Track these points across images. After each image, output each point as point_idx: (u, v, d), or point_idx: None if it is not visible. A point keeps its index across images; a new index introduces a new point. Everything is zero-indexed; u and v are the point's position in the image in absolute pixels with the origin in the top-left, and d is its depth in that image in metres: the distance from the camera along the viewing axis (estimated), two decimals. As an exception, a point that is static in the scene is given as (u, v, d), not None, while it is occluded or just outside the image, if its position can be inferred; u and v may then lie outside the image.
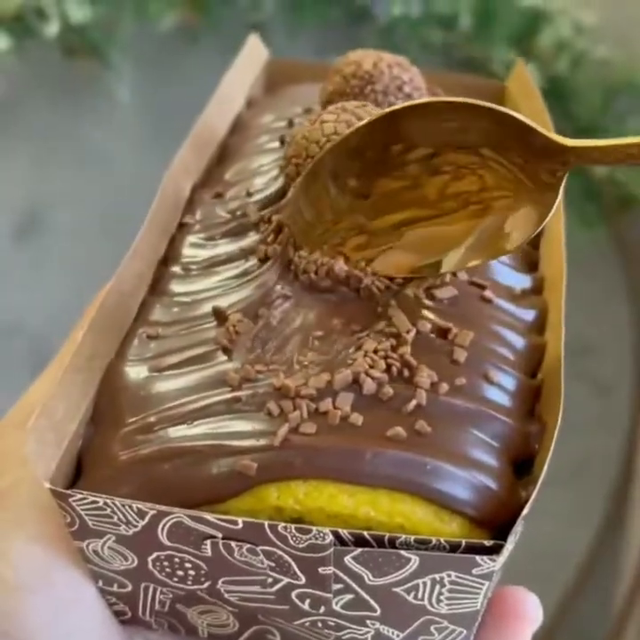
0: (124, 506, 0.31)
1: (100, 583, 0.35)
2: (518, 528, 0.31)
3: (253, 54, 0.55)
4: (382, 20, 0.96)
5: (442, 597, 0.32)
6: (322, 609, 0.33)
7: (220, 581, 0.33)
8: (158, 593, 0.35)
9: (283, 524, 0.30)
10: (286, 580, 0.32)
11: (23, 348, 1.07)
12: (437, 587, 0.31)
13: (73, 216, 1.06)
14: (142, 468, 0.33)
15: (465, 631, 0.33)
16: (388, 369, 0.34)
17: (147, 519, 0.31)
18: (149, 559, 0.33)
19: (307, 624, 0.34)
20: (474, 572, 0.31)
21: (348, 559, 0.31)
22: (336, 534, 0.30)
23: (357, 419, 0.32)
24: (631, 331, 1.04)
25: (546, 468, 0.31)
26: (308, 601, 0.33)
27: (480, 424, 0.33)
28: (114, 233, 1.08)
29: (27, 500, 0.34)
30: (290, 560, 0.31)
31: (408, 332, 0.35)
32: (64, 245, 1.06)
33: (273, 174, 0.43)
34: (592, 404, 1.03)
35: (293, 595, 0.33)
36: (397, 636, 0.34)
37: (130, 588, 0.35)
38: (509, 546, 0.31)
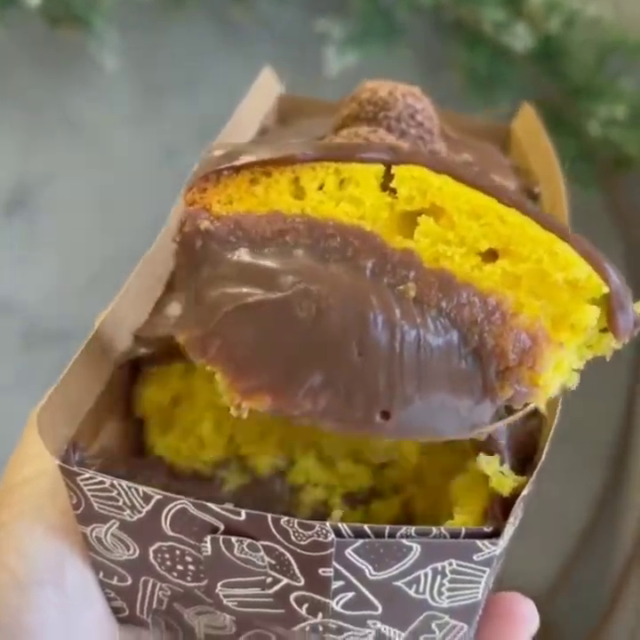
0: (130, 488, 0.31)
1: (101, 575, 0.34)
2: (518, 510, 0.31)
3: (266, 87, 0.56)
4: (371, -18, 0.95)
5: (443, 589, 0.31)
6: (319, 615, 0.32)
7: (218, 585, 0.33)
8: (157, 589, 0.34)
9: (286, 518, 0.30)
10: (285, 580, 0.32)
11: (16, 325, 1.07)
12: (439, 578, 0.31)
13: (63, 190, 1.05)
14: None
15: (466, 626, 0.33)
16: None
17: (151, 504, 0.31)
18: (151, 549, 0.33)
19: (307, 628, 0.33)
20: (475, 558, 0.30)
21: (348, 552, 0.30)
22: (336, 531, 0.30)
23: None
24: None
25: (544, 456, 0.32)
26: (305, 605, 0.32)
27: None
28: (106, 206, 1.07)
29: (47, 490, 0.34)
30: (290, 558, 0.31)
31: None
32: (55, 220, 1.05)
33: None
34: (590, 366, 1.03)
35: (292, 598, 0.32)
36: (399, 635, 0.33)
37: (129, 581, 0.34)
38: (509, 529, 0.31)
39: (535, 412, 0.35)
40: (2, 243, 1.05)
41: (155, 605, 0.35)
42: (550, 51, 0.95)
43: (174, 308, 0.39)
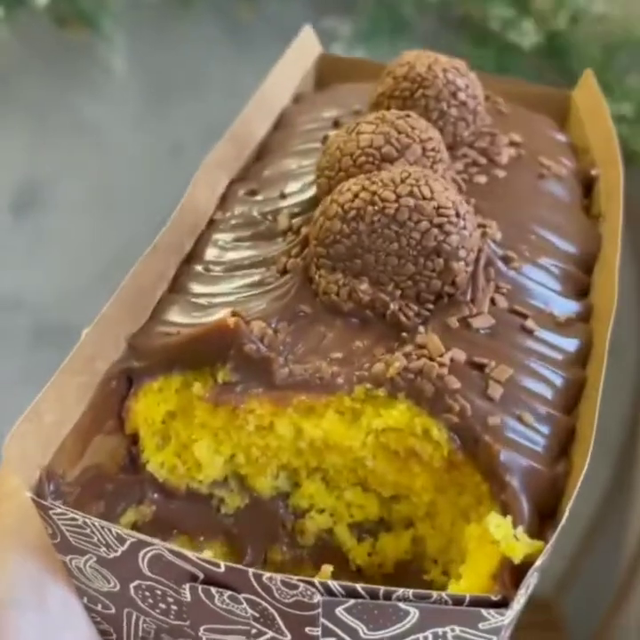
0: (103, 528, 0.29)
1: (85, 600, 0.33)
2: (530, 579, 0.28)
3: (305, 48, 0.53)
4: (378, -20, 0.94)
5: None
6: None
7: (201, 628, 0.31)
8: (141, 621, 0.33)
9: (268, 575, 0.27)
10: (271, 633, 0.29)
11: (23, 322, 1.07)
12: None
13: (71, 189, 1.05)
14: None
15: None
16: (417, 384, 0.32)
17: (126, 546, 0.30)
18: (131, 586, 0.31)
19: None
20: (480, 626, 0.28)
21: (339, 610, 0.28)
22: (326, 587, 0.28)
23: None
24: (637, 290, 1.04)
25: (567, 513, 0.29)
26: None
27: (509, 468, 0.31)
28: (112, 205, 1.07)
29: (29, 509, 0.32)
30: (274, 613, 0.29)
31: (441, 355, 0.32)
32: (63, 219, 1.05)
33: (309, 179, 0.41)
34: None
35: None
36: None
37: (113, 610, 0.33)
38: (520, 598, 0.28)
39: (563, 456, 0.32)
40: (10, 241, 1.06)
41: (142, 634, 0.33)
42: (557, 48, 0.95)
43: (174, 313, 0.37)
